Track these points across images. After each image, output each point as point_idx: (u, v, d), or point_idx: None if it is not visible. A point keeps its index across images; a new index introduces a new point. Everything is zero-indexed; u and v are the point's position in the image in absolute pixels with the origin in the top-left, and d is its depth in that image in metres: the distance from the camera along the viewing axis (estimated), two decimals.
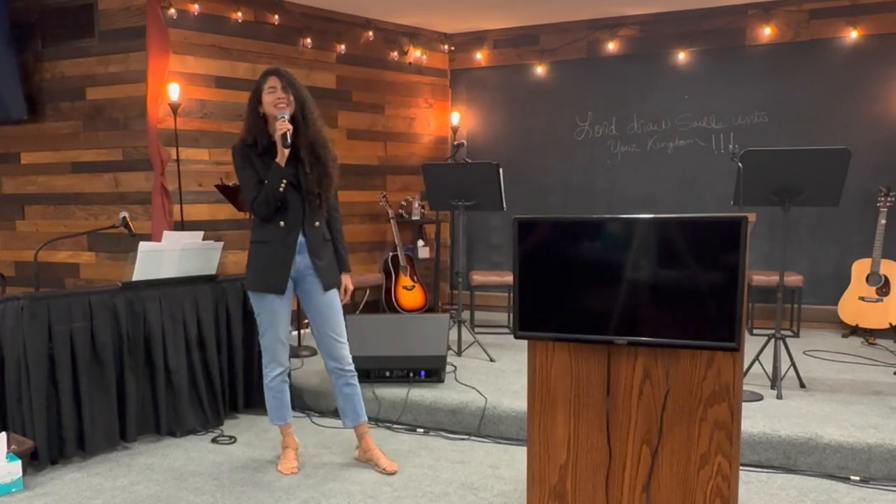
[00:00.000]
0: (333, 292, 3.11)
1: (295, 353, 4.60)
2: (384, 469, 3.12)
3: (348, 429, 3.25)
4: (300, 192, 2.97)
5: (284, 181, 2.90)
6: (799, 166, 3.59)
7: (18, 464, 2.94)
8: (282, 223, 2.97)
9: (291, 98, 2.91)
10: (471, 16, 6.05)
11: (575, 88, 6.20)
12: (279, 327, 3.06)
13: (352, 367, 3.15)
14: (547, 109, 6.30)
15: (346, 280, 3.20)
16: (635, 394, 2.16)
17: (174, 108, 4.85)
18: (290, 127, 2.88)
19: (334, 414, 3.89)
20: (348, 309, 4.58)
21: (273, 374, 3.13)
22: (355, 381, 3.17)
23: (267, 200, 2.91)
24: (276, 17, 5.43)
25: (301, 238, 3.01)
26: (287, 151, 2.89)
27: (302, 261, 3.02)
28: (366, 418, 3.22)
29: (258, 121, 2.96)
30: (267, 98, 2.91)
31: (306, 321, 5.61)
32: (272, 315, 3.04)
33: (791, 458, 3.12)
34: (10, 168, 5.51)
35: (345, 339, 3.14)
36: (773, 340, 3.83)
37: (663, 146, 5.96)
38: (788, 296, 5.21)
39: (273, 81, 2.91)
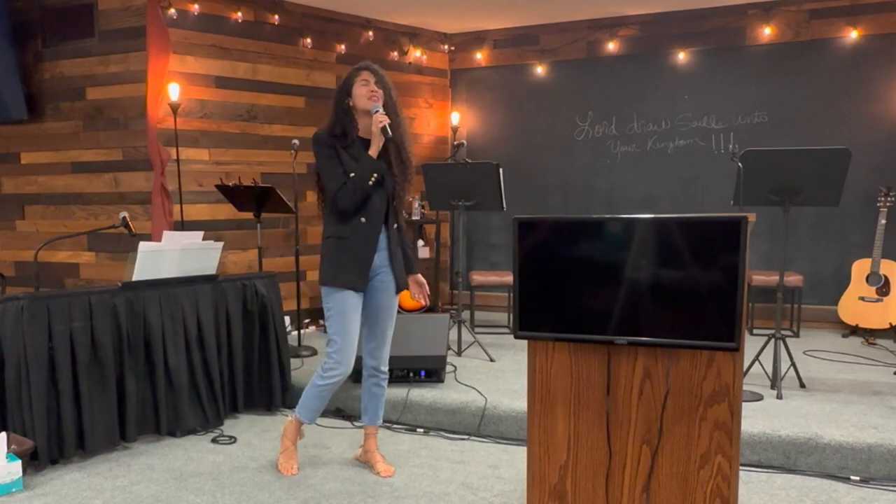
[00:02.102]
0: (396, 296, 3.08)
1: (295, 352, 4.61)
2: (379, 473, 3.11)
3: (350, 429, 3.25)
4: (384, 190, 2.94)
5: (375, 174, 2.87)
6: (799, 166, 3.60)
7: (18, 464, 2.94)
8: (363, 219, 2.91)
9: (381, 93, 2.89)
10: (471, 16, 6.05)
11: (575, 88, 6.20)
12: (352, 329, 2.96)
13: (386, 369, 3.13)
14: (547, 109, 6.30)
15: (421, 278, 3.15)
16: (635, 394, 2.16)
17: (174, 108, 4.85)
18: (388, 119, 2.85)
19: (334, 414, 3.90)
20: None
21: (335, 379, 2.98)
22: (385, 384, 3.15)
23: (354, 192, 2.84)
24: (276, 17, 5.43)
25: (382, 236, 2.97)
26: (382, 143, 2.86)
27: (379, 258, 2.98)
28: (381, 421, 3.21)
29: (347, 113, 2.92)
30: (360, 90, 2.88)
31: (307, 321, 5.63)
32: (344, 315, 2.93)
33: (791, 458, 3.12)
34: (10, 168, 5.51)
35: (390, 343, 3.11)
36: (773, 340, 3.83)
37: (663, 146, 5.96)
38: (788, 296, 5.21)
39: (366, 76, 2.90)
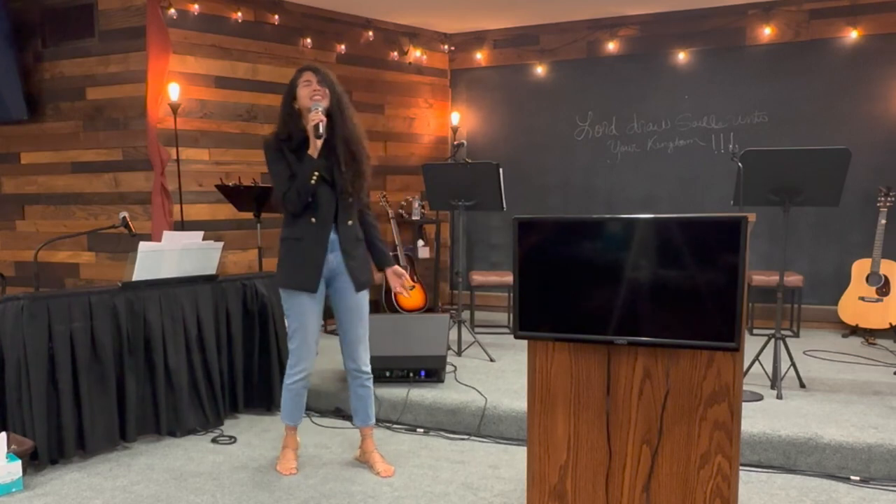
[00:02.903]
0: (364, 293, 3.08)
1: None
2: (379, 473, 3.11)
3: (350, 429, 3.25)
4: (333, 188, 2.94)
5: (316, 173, 2.87)
6: (799, 166, 3.60)
7: (18, 464, 2.94)
8: (313, 219, 2.93)
9: (327, 91, 2.90)
10: (471, 16, 6.05)
11: (575, 88, 6.20)
12: (309, 329, 3.01)
13: (369, 369, 3.13)
14: (547, 109, 6.30)
15: (399, 269, 3.15)
16: (635, 394, 2.16)
17: (174, 108, 4.85)
18: (324, 118, 2.85)
19: (334, 414, 3.90)
20: None
21: (297, 377, 3.06)
22: (370, 384, 3.16)
23: (298, 193, 2.86)
24: (276, 17, 5.43)
25: (333, 235, 2.97)
26: (319, 142, 2.86)
27: (334, 259, 2.98)
28: (374, 421, 3.22)
29: (293, 116, 2.93)
30: (302, 91, 2.89)
31: None
32: (302, 315, 2.98)
33: (791, 458, 3.12)
34: (10, 168, 5.51)
35: (367, 342, 3.12)
36: (773, 340, 3.83)
37: (663, 146, 5.96)
38: (788, 296, 5.21)
39: (308, 76, 2.90)
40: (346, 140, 2.94)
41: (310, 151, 2.87)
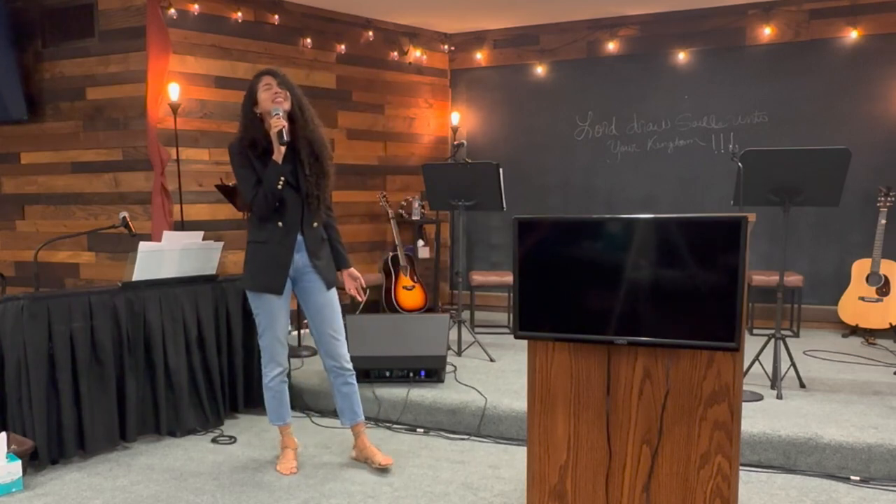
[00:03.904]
0: (333, 291, 3.11)
1: (295, 353, 4.60)
2: (379, 464, 3.11)
3: (346, 428, 3.25)
4: (299, 192, 2.96)
5: (282, 179, 2.89)
6: (799, 166, 3.59)
7: (18, 464, 2.94)
8: (280, 223, 2.96)
9: (288, 94, 2.90)
10: (471, 16, 6.05)
11: (575, 88, 6.20)
12: (277, 327, 3.06)
13: (350, 365, 3.15)
14: (547, 109, 6.30)
15: (354, 272, 3.21)
16: (635, 394, 2.16)
17: (174, 108, 4.85)
18: (286, 123, 2.85)
19: (334, 414, 3.88)
20: (348, 309, 4.59)
21: (272, 374, 3.13)
22: (353, 380, 3.17)
23: (266, 198, 2.89)
24: (276, 17, 5.43)
25: (300, 238, 3.00)
26: (283, 148, 2.87)
27: (300, 259, 3.02)
28: (363, 417, 3.22)
29: (255, 121, 2.93)
30: (263, 95, 2.89)
31: (306, 321, 5.63)
32: (270, 315, 3.04)
33: (791, 458, 3.12)
34: (10, 168, 5.51)
35: (343, 338, 3.14)
36: (773, 340, 3.83)
37: (663, 146, 5.96)
38: (788, 296, 5.21)
39: (268, 80, 2.90)
40: (309, 142, 2.96)
41: (274, 157, 2.88)
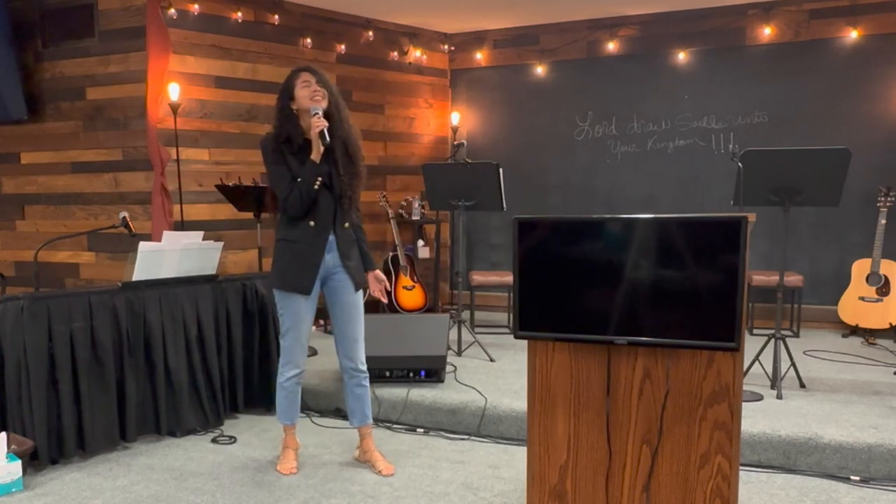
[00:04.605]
0: (359, 293, 3.09)
1: None
2: (381, 472, 3.12)
3: (350, 429, 3.25)
4: (332, 191, 2.94)
5: (319, 179, 2.87)
6: (799, 166, 3.59)
7: (18, 464, 2.94)
8: (312, 223, 2.93)
9: (325, 93, 2.88)
10: (471, 16, 6.05)
11: (575, 88, 6.20)
12: (302, 328, 3.02)
13: (365, 368, 3.14)
14: (547, 109, 6.30)
15: (380, 274, 3.19)
16: (635, 394, 2.16)
17: (174, 108, 4.85)
18: (327, 123, 2.83)
19: (334, 414, 3.90)
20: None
21: (289, 374, 3.08)
22: (367, 382, 3.16)
23: (300, 197, 2.86)
24: (276, 17, 5.43)
25: (331, 238, 2.98)
26: (323, 148, 2.85)
27: (332, 259, 2.99)
28: (371, 420, 3.22)
29: (291, 117, 2.90)
30: (302, 92, 2.86)
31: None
32: (296, 316, 2.99)
33: (791, 458, 3.12)
34: (10, 168, 5.51)
35: (362, 341, 3.13)
36: (773, 340, 3.83)
37: (663, 146, 5.96)
38: (788, 296, 5.21)
39: (306, 77, 2.88)
40: (343, 142, 2.94)
41: (313, 156, 2.87)
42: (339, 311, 3.07)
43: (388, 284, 3.22)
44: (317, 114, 2.82)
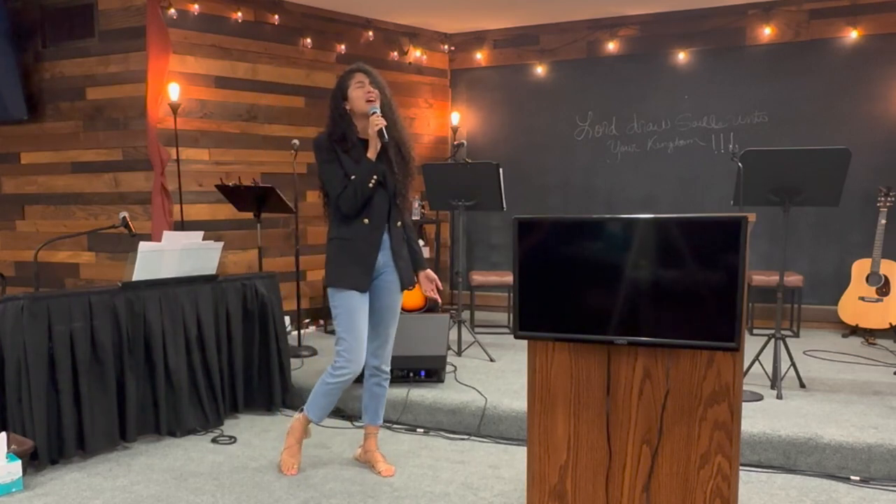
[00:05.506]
0: (401, 294, 3.09)
1: (295, 352, 4.60)
2: (380, 473, 3.12)
3: (350, 429, 3.25)
4: (386, 190, 2.95)
5: (375, 177, 2.88)
6: (799, 166, 3.60)
7: (18, 464, 2.94)
8: (366, 220, 2.93)
9: (378, 93, 2.90)
10: (471, 16, 6.05)
11: (575, 88, 6.20)
12: (361, 327, 2.97)
13: (388, 369, 3.13)
14: (547, 109, 6.30)
15: (431, 273, 3.18)
16: (635, 394, 2.16)
17: (174, 108, 4.85)
18: (385, 122, 2.86)
19: (334, 414, 3.89)
20: None
21: (343, 377, 2.97)
22: (387, 384, 3.16)
23: (355, 195, 2.86)
24: (276, 17, 5.43)
25: (385, 236, 2.99)
26: (380, 146, 2.87)
27: (383, 257, 2.99)
28: (381, 422, 3.21)
29: (345, 116, 2.92)
30: (356, 93, 2.89)
31: (307, 321, 5.63)
32: (351, 313, 2.94)
33: (791, 458, 3.12)
34: (10, 168, 5.51)
35: (392, 342, 3.12)
36: (773, 340, 3.83)
37: (663, 146, 5.96)
38: (788, 296, 5.21)
39: (360, 77, 2.91)
40: (396, 141, 2.96)
41: (369, 154, 2.88)
42: (382, 311, 3.05)
43: (440, 283, 3.21)
44: (375, 112, 2.85)
